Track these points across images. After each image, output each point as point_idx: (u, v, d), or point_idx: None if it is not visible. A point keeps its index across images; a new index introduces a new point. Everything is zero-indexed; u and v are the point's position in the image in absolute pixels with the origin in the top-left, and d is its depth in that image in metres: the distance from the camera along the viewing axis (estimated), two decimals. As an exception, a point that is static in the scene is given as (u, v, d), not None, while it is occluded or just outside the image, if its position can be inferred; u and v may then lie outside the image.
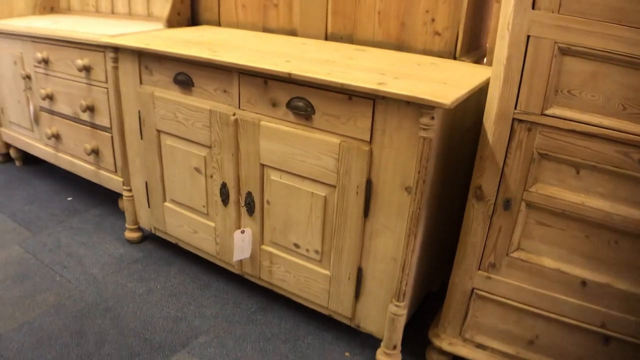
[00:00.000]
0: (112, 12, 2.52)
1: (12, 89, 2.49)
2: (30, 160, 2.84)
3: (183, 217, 1.86)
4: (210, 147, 1.64)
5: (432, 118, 1.18)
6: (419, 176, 1.24)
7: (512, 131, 1.23)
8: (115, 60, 1.80)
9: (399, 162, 1.28)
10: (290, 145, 1.44)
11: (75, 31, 2.02)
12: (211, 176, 1.68)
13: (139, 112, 1.80)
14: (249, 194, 1.60)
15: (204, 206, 1.77)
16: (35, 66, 2.27)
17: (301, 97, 1.38)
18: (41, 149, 2.50)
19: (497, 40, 1.21)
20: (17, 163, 2.86)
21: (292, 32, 1.98)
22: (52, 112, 2.32)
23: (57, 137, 2.36)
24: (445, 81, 1.33)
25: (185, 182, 1.78)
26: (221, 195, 1.67)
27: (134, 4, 2.40)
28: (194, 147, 1.69)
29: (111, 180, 2.21)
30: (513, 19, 1.15)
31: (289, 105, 1.41)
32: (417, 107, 1.19)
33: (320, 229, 1.49)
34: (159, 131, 1.78)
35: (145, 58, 1.71)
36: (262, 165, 1.54)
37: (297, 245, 1.57)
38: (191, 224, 1.84)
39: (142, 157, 1.89)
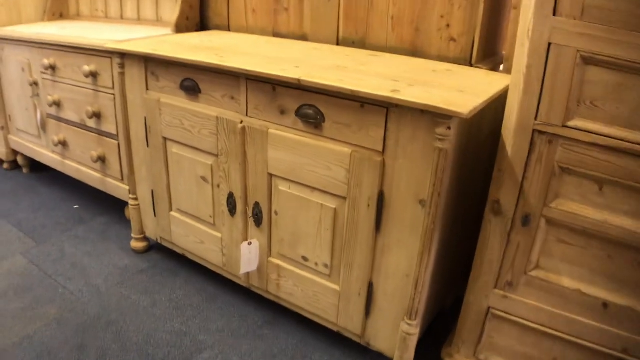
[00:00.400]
0: (122, 18, 2.49)
1: (20, 96, 2.46)
2: (37, 168, 2.81)
3: (189, 227, 1.81)
4: (217, 155, 1.58)
5: (449, 128, 1.12)
6: (434, 189, 1.18)
7: (532, 143, 1.17)
8: (122, 66, 1.76)
9: (413, 174, 1.21)
10: (299, 154, 1.38)
11: (82, 37, 1.98)
12: (218, 186, 1.63)
13: (145, 119, 1.76)
14: (257, 204, 1.54)
15: (210, 216, 1.71)
16: (43, 73, 2.24)
17: (311, 105, 1.32)
18: (48, 156, 2.47)
19: (517, 47, 1.15)
20: (25, 170, 2.83)
21: (303, 37, 1.93)
22: (59, 119, 2.29)
23: (64, 144, 2.32)
24: (461, 89, 1.26)
25: (191, 192, 1.73)
26: (228, 206, 1.62)
27: (142, 9, 2.37)
28: (200, 155, 1.64)
29: (118, 189, 2.16)
30: (533, 26, 1.09)
31: (298, 113, 1.36)
32: (432, 116, 1.13)
33: (329, 242, 1.43)
34: (165, 139, 1.73)
35: (152, 64, 1.66)
36: (270, 175, 1.48)
37: (305, 259, 1.51)
38: (197, 235, 1.79)
39: (148, 165, 1.84)
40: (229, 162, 1.55)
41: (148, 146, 1.80)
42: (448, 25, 1.62)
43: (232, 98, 1.49)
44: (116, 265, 2.01)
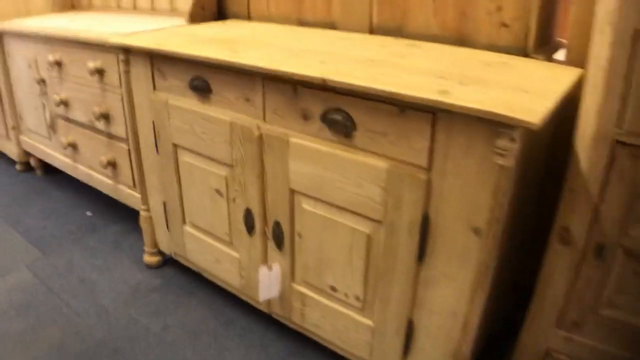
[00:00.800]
0: (134, 8, 2.29)
1: (28, 95, 2.30)
2: (51, 169, 2.65)
3: (204, 244, 1.60)
4: (231, 166, 1.37)
5: (512, 140, 0.88)
6: (492, 215, 0.94)
7: (612, 157, 0.94)
8: (127, 63, 1.55)
9: (465, 194, 0.98)
10: (326, 168, 1.15)
11: (85, 30, 1.79)
12: (234, 200, 1.42)
13: (153, 122, 1.55)
14: (277, 224, 1.32)
15: (226, 234, 1.50)
16: (49, 69, 2.06)
17: (339, 109, 1.09)
18: (59, 159, 2.30)
19: (595, 35, 0.92)
20: (38, 172, 2.67)
21: (332, 25, 1.69)
22: (67, 120, 2.11)
23: (73, 146, 2.15)
24: (524, 88, 1.01)
25: (205, 205, 1.52)
26: (245, 223, 1.40)
27: (156, -1, 2.16)
28: (213, 165, 1.43)
29: (130, 197, 1.97)
30: (617, 8, 0.84)
31: (324, 118, 1.13)
32: (492, 124, 0.89)
33: (362, 271, 1.20)
34: (175, 145, 1.52)
35: (158, 60, 1.45)
36: (292, 191, 1.26)
37: (334, 289, 1.28)
38: (213, 253, 1.58)
39: (158, 173, 1.64)
40: (245, 174, 1.33)
41: (157, 153, 1.59)
42: (499, 8, 1.36)
43: (247, 100, 1.27)
44: (127, 282, 1.82)
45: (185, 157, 1.51)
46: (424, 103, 0.94)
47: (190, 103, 1.41)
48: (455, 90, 0.96)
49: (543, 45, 1.41)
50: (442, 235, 1.04)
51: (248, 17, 1.92)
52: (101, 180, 2.09)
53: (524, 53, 1.35)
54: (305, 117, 1.16)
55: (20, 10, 2.34)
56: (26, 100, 2.33)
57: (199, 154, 1.46)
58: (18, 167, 2.70)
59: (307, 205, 1.24)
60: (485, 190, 0.95)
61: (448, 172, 0.98)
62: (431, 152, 0.99)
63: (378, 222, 1.12)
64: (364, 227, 1.15)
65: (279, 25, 1.78)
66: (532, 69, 1.20)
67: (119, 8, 2.35)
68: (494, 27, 1.38)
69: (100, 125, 1.93)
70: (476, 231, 0.99)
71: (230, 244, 1.51)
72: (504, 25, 1.37)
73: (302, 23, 1.77)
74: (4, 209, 2.33)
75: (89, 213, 2.30)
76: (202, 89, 1.36)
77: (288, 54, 1.26)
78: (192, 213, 1.60)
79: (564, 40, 1.47)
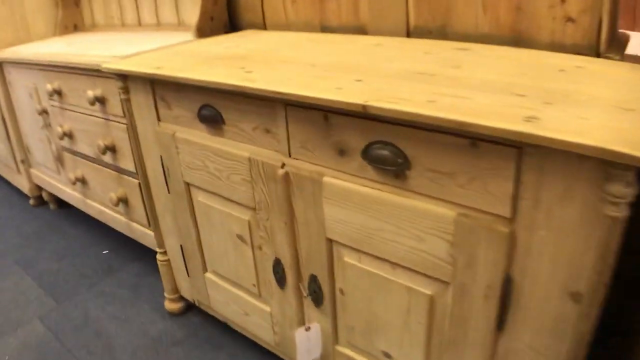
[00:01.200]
0: (139, 24, 2.08)
1: (33, 126, 2.11)
2: (64, 202, 2.46)
3: (229, 294, 1.38)
4: (254, 209, 1.14)
5: (629, 184, 0.62)
6: (598, 279, 0.69)
7: None
8: (126, 90, 1.34)
9: (562, 252, 0.72)
10: (372, 215, 0.91)
11: (81, 55, 1.58)
12: (259, 248, 1.19)
13: (161, 158, 1.33)
14: (313, 278, 1.09)
15: (254, 285, 1.27)
16: (50, 99, 1.87)
17: (386, 142, 0.85)
18: (69, 194, 2.11)
19: None
20: (51, 206, 2.49)
21: (361, 30, 1.45)
22: (73, 153, 1.92)
23: (82, 181, 1.95)
24: (626, 104, 0.75)
25: (227, 252, 1.30)
26: (275, 275, 1.17)
27: (161, 13, 1.95)
28: (233, 207, 1.20)
29: (146, 236, 1.76)
30: None
31: (366, 154, 0.88)
32: (601, 164, 0.64)
33: (423, 338, 0.96)
34: (187, 184, 1.30)
35: (160, 87, 1.23)
36: (330, 241, 1.02)
37: (388, 355, 1.04)
38: (240, 304, 1.36)
39: (173, 214, 1.42)
40: (271, 219, 1.10)
41: (169, 192, 1.37)
42: (563, 0, 1.09)
43: (268, 131, 1.03)
44: (147, 333, 1.61)
45: (200, 197, 1.29)
46: (508, 137, 0.68)
47: (200, 136, 1.19)
48: (544, 115, 0.71)
49: (613, 41, 1.14)
50: (529, 301, 0.79)
51: (264, 26, 1.68)
52: (113, 217, 1.89)
53: (596, 52, 1.08)
54: (342, 152, 0.92)
55: (21, 37, 2.16)
56: (31, 132, 2.15)
57: (215, 194, 1.23)
58: (32, 202, 2.53)
59: (350, 258, 1.00)
60: (588, 246, 0.69)
61: (539, 225, 0.73)
62: (515, 198, 0.74)
63: (444, 282, 0.87)
64: (425, 287, 0.90)
65: (300, 33, 1.55)
66: (615, 73, 0.93)
67: (123, 26, 2.15)
68: (558, 22, 1.11)
69: (108, 158, 1.73)
70: (575, 297, 0.74)
71: (258, 296, 1.29)
72: (570, 19, 1.10)
73: (325, 29, 1.53)
74: (17, 251, 2.16)
75: (105, 251, 2.11)
76: (212, 120, 1.13)
77: (314, 72, 1.02)
78: (213, 259, 1.37)
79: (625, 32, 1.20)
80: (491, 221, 0.77)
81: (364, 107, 0.80)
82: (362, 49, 1.22)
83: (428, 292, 0.90)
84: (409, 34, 1.35)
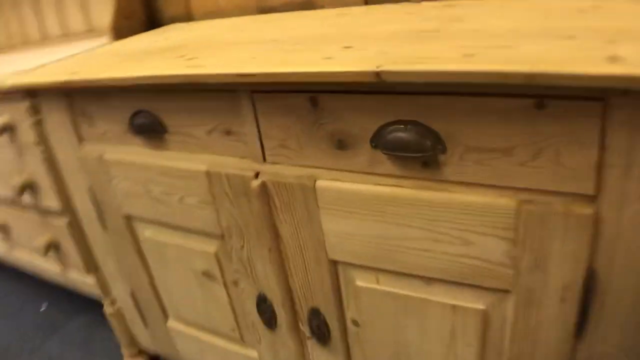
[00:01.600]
0: (45, 38, 1.76)
1: None
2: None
3: (202, 343, 1.12)
4: (222, 237, 0.89)
5: None
6: None
7: None
8: (35, 110, 1.05)
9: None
10: (391, 221, 0.68)
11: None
12: (235, 284, 0.93)
13: (90, 189, 1.05)
14: (315, 312, 0.84)
15: (233, 330, 1.02)
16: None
17: (407, 122, 0.62)
18: (-10, 247, 1.77)
19: None
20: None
21: (308, 5, 1.22)
22: (-15, 198, 1.59)
23: (3, 230, 1.63)
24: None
25: (192, 294, 1.04)
26: (261, 314, 0.92)
27: (68, 20, 1.65)
28: (193, 239, 0.95)
29: (85, 285, 1.47)
30: None
31: (379, 140, 0.65)
32: None
33: (475, 366, 0.74)
34: (128, 217, 1.03)
35: (79, 98, 0.96)
36: (334, 263, 0.78)
37: (426, 393, 0.82)
38: (218, 354, 1.10)
39: (114, 255, 1.14)
40: (248, 247, 0.85)
41: (105, 229, 1.10)
42: None
43: (229, 133, 0.78)
44: (106, 405, 1.32)
45: (146, 233, 1.02)
46: (600, 84, 0.47)
47: (137, 152, 0.92)
48: (624, 53, 0.50)
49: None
50: (616, 299, 0.59)
51: (190, 18, 1.43)
52: (45, 268, 1.58)
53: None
54: (342, 144, 0.68)
55: None
56: None
57: (166, 225, 0.97)
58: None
59: (363, 281, 0.77)
60: None
61: (630, 198, 0.53)
62: (600, 167, 0.53)
63: (502, 291, 0.65)
64: (475, 302, 0.68)
65: (237, 17, 1.30)
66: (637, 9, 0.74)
67: (25, 44, 1.82)
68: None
69: (27, 198, 1.42)
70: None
71: (241, 341, 1.03)
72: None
73: (264, 10, 1.29)
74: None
75: (43, 307, 1.78)
76: (150, 129, 0.87)
77: (282, 47, 0.78)
78: (175, 304, 1.11)
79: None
80: (568, 203, 0.56)
81: (377, 74, 0.56)
82: (324, 20, 0.99)
83: (480, 306, 0.68)
84: (367, 2, 1.14)
